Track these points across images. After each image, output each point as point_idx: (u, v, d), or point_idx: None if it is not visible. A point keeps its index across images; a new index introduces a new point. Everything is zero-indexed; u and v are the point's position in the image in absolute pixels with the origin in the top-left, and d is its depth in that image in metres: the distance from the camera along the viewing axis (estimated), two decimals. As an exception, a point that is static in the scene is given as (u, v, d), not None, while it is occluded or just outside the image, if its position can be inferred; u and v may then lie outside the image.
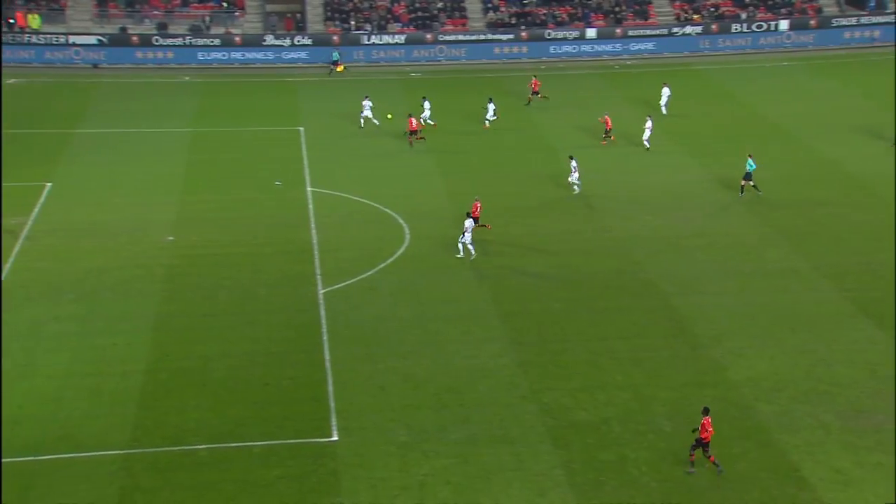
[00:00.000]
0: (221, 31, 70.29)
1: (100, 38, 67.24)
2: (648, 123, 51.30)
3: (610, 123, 52.14)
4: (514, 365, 31.44)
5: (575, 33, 72.83)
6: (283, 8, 73.07)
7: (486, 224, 39.95)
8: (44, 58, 66.42)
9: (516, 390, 30.13)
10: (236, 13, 71.82)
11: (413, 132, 50.10)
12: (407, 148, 50.74)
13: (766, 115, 57.78)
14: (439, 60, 70.73)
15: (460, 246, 38.45)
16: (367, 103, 53.36)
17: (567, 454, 27.18)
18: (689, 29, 73.71)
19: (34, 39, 66.53)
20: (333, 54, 67.38)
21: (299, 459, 26.70)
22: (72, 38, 66.79)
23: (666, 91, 57.64)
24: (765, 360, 31.85)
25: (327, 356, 31.63)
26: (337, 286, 36.25)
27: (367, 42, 70.23)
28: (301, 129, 54.03)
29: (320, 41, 69.83)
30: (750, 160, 44.42)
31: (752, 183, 44.42)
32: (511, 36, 72.05)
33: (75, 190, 44.71)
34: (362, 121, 53.01)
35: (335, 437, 27.67)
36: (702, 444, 26.10)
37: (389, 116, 51.91)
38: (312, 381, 30.26)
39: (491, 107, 54.31)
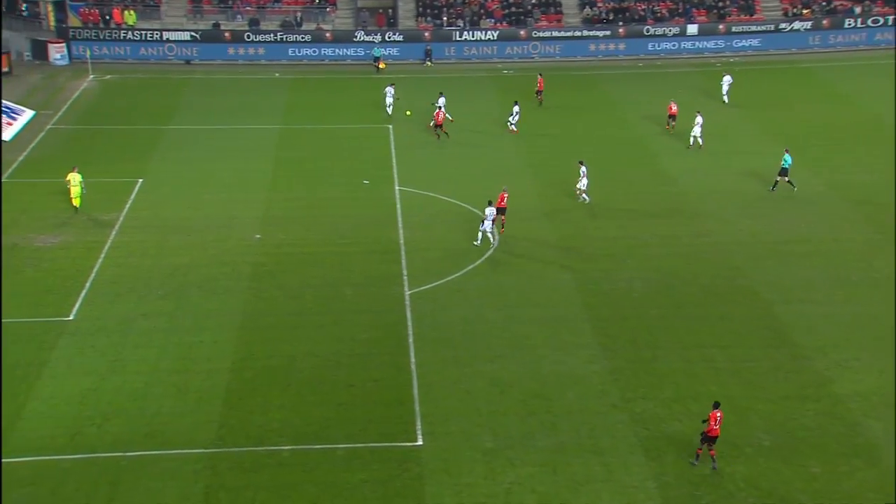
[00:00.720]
0: (312, 27, 71.28)
1: (193, 33, 68.80)
2: (698, 119, 50.54)
3: (675, 110, 52.95)
4: (605, 372, 31.07)
5: (675, 29, 71.74)
6: (374, 3, 73.73)
7: (503, 217, 40.42)
8: (138, 54, 68.27)
9: (607, 398, 29.76)
10: (328, 9, 72.73)
11: (438, 126, 51.35)
12: (498, 146, 50.58)
13: (880, 115, 55.94)
14: (532, 57, 70.43)
15: (479, 234, 39.03)
16: (390, 90, 55.15)
17: (660, 466, 26.72)
18: (797, 24, 71.86)
19: (129, 36, 68.38)
20: (375, 50, 67.57)
21: (383, 463, 26.81)
22: (166, 35, 68.47)
23: (727, 79, 57.57)
24: (873, 373, 30.79)
25: (413, 358, 31.73)
26: (424, 287, 36.37)
27: (458, 38, 70.33)
28: (390, 126, 54.37)
29: (412, 37, 70.23)
30: (786, 155, 44.31)
31: (787, 179, 44.30)
32: (608, 32, 71.31)
33: (165, 186, 45.80)
34: (389, 109, 54.84)
35: (420, 442, 27.71)
36: (708, 439, 26.17)
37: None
38: (398, 384, 30.38)
39: (516, 109, 53.51)
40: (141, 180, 46.20)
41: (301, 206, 43.77)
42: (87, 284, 36.13)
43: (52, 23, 70.51)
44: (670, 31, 71.60)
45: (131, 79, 64.89)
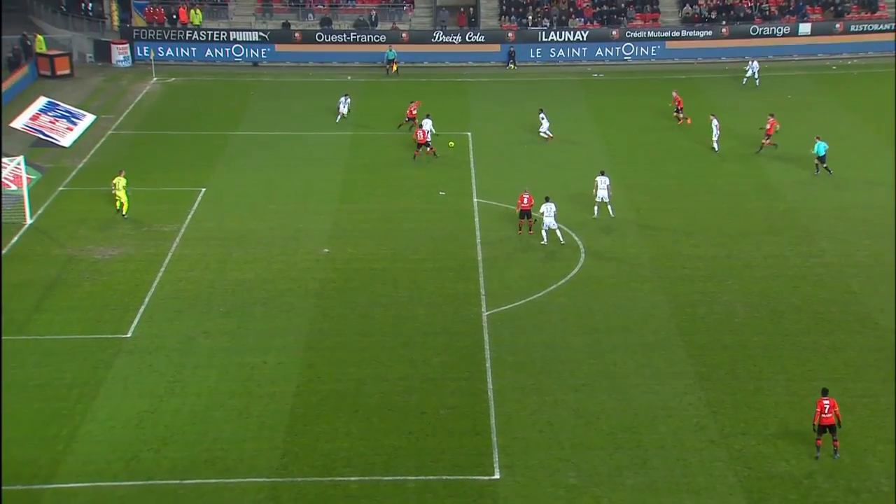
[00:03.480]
0: (388, 26, 72.07)
1: (261, 34, 70.11)
2: (715, 122, 50.67)
3: (681, 102, 54.39)
4: (702, 404, 30.66)
5: (785, 29, 70.74)
6: (455, 2, 74.27)
7: (530, 220, 41.66)
8: (204, 55, 69.81)
9: (704, 433, 29.35)
10: (405, 7, 73.47)
11: (421, 144, 49.63)
12: (584, 157, 50.38)
13: None
14: (625, 60, 70.15)
15: (543, 233, 40.75)
16: (344, 100, 56.54)
17: (762, 511, 26.25)
18: (925, 22, 70.28)
19: (195, 36, 69.96)
20: (388, 53, 67.60)
21: (458, 498, 26.79)
22: (233, 35, 69.88)
23: (754, 65, 62.16)
24: None
25: (490, 385, 31.70)
26: (503, 308, 36.34)
27: (545, 39, 70.40)
28: (469, 133, 54.58)
29: (494, 38, 70.50)
30: (819, 142, 47.06)
31: (825, 165, 47.27)
32: (709, 32, 70.68)
33: (229, 196, 46.63)
34: (338, 116, 56.28)
35: (497, 476, 27.63)
36: (821, 429, 27.30)
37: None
38: (473, 413, 30.36)
39: (542, 116, 53.31)
40: (204, 189, 47.14)
41: (372, 218, 44.18)
42: (146, 300, 36.93)
43: (116, 22, 72.61)
44: (780, 30, 70.64)
45: (196, 81, 66.38)
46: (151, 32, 70.14)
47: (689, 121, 55.16)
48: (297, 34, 70.58)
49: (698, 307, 36.42)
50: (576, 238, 41.86)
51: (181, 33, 70.31)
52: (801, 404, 30.49)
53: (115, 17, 72.83)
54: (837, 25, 70.74)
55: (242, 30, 70.77)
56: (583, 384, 31.75)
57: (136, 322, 35.37)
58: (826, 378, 31.62)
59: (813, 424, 27.57)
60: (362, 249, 41.18)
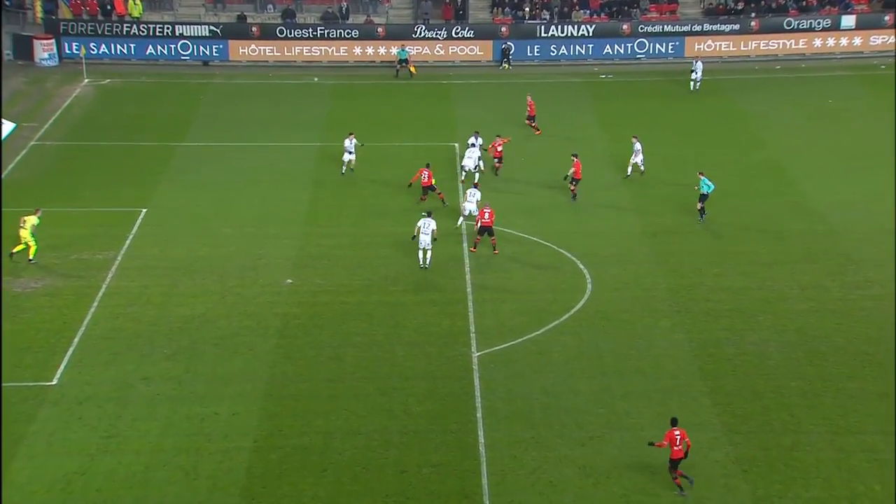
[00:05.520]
0: (361, 19, 72.42)
1: (213, 28, 70.29)
2: (637, 146, 50.28)
3: (534, 109, 55.92)
4: (731, 462, 30.74)
5: (826, 22, 71.34)
6: (439, -9, 74.73)
7: (493, 238, 42.97)
8: (145, 53, 69.92)
9: (733, 496, 29.42)
10: (380, -2, 73.92)
11: (426, 188, 47.66)
12: (587, 174, 50.59)
13: None
14: (638, 58, 70.62)
15: (460, 219, 44.29)
16: (350, 143, 50.92)
17: (802, 587, 26.34)
18: None
19: (134, 30, 70.04)
20: (400, 52, 67.93)
21: (443, 573, 26.81)
22: (179, 29, 70.06)
23: (699, 65, 62.99)
24: None
25: (482, 439, 31.69)
26: (496, 348, 36.40)
27: (544, 34, 70.87)
28: (456, 145, 54.76)
29: (484, 33, 70.92)
30: (703, 179, 45.27)
31: (699, 205, 45.68)
32: (736, 27, 71.26)
33: (175, 218, 46.60)
34: (344, 167, 51.08)
35: (490, 547, 27.71)
36: (673, 462, 28.26)
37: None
38: (462, 471, 30.35)
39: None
40: (145, 210, 47.11)
41: (344, 243, 44.22)
42: (76, 341, 36.79)
43: (40, 14, 72.60)
44: (819, 23, 71.23)
45: (135, 84, 66.47)
46: (82, 26, 70.27)
47: (538, 132, 56.08)
48: (254, 28, 70.86)
49: (725, 347, 36.50)
50: (581, 266, 42.01)
51: (117, 27, 70.38)
52: (847, 462, 30.58)
53: (39, 8, 72.80)
54: (887, 17, 71.25)
55: (190, 23, 70.96)
56: (590, 438, 31.76)
57: (62, 367, 35.22)
58: (874, 430, 31.82)
59: (670, 458, 28.78)
60: (332, 280, 41.20)
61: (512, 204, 47.60)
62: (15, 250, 41.95)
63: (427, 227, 41.46)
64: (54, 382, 34.44)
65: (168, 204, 48.04)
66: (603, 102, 62.67)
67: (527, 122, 57.01)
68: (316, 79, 67.55)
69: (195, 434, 31.93)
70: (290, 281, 41.12)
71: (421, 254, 41.69)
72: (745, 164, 52.65)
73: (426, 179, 47.60)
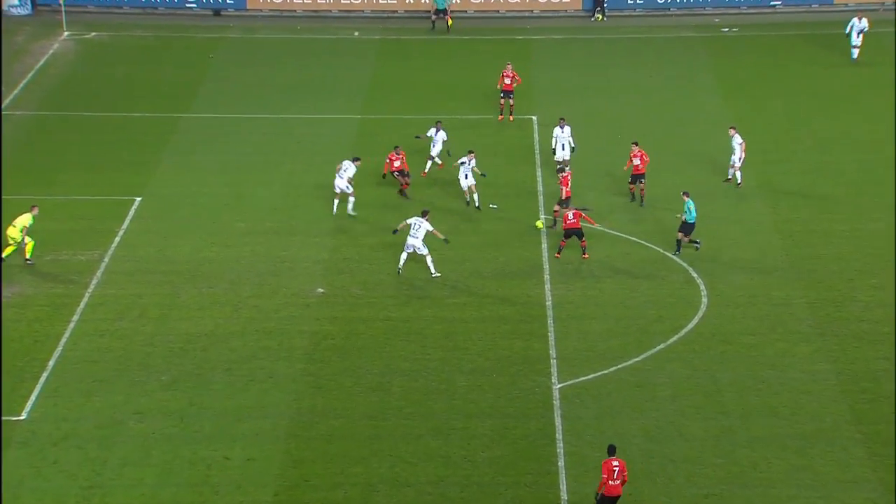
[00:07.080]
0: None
1: (225, -32, 70.83)
2: (736, 140, 48.50)
3: (513, 82, 54.07)
4: (890, 531, 30.53)
5: None
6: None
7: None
8: (141, 0, 70.41)
9: (891, 574, 29.22)
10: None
11: (398, 173, 47.85)
12: (706, 158, 50.30)
13: None
14: (773, 6, 70.09)
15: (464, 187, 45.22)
16: (436, 135, 50.43)
17: None
18: None
19: (126, -29, 70.76)
20: (438, 0, 67.45)
21: None
22: (183, -30, 70.68)
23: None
24: None
25: (564, 495, 31.62)
26: (583, 378, 36.33)
27: (649, -25, 70.76)
28: (534, 117, 54.66)
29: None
30: (688, 201, 42.94)
31: (679, 235, 43.25)
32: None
33: (176, 209, 46.98)
34: (429, 164, 50.48)
35: None
36: (611, 499, 29.60)
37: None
38: (540, 537, 30.38)
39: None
40: (139, 199, 47.48)
41: (388, 243, 44.17)
42: (50, 364, 37.03)
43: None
44: None
45: (128, 38, 67.05)
46: (62, -35, 71.01)
47: (506, 117, 54.83)
48: (277, -32, 71.27)
49: (883, 382, 36.19)
50: (693, 273, 41.79)
51: (106, -33, 71.07)
52: None
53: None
54: None
55: (197, -39, 71.56)
56: (706, 496, 31.59)
57: (34, 398, 35.46)
58: None
59: (596, 494, 29.85)
60: (373, 290, 41.27)
61: (605, 194, 47.39)
62: (5, 255, 42.23)
63: (417, 230, 41.18)
64: (23, 417, 34.68)
65: (168, 191, 48.39)
66: (725, 63, 62.25)
67: (501, 99, 55.08)
68: (356, 33, 67.69)
69: (200, 484, 32.03)
70: (321, 290, 41.26)
71: (404, 255, 41.64)
72: (877, 144, 52.07)
73: (399, 164, 47.31)
